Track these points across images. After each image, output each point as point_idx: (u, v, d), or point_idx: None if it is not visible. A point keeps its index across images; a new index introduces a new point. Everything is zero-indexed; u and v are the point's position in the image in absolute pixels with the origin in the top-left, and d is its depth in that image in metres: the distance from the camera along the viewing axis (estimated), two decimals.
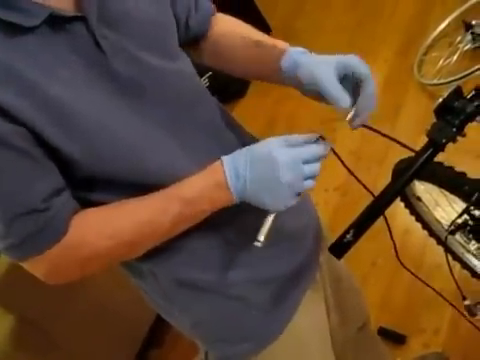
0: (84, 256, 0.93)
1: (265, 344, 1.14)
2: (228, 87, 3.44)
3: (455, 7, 3.06)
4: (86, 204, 0.95)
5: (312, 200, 1.33)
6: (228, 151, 0.97)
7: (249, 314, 1.12)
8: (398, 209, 1.93)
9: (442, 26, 3.06)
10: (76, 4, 0.92)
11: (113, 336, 2.43)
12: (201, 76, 1.14)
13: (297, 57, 1.04)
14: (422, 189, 1.79)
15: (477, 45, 2.85)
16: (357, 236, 0.97)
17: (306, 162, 0.93)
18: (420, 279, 1.23)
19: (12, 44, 0.84)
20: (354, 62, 0.99)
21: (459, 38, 2.93)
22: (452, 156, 1.42)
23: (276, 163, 0.91)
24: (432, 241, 1.97)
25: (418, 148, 1.03)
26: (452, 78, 2.73)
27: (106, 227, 0.93)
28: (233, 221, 1.04)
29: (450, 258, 1.88)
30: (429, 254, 2.29)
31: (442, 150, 1.01)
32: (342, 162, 1.03)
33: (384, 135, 1.06)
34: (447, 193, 1.60)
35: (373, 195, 1.02)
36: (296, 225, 1.19)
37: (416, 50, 3.07)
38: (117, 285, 2.30)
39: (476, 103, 1.02)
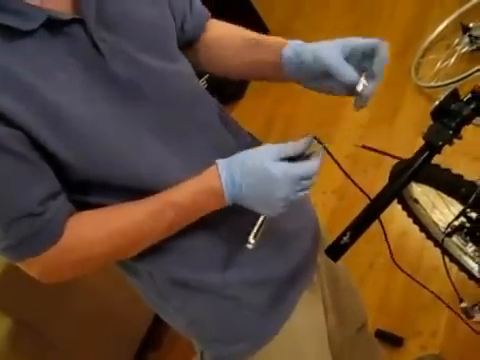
0: (79, 258, 0.94)
1: (261, 344, 1.14)
2: (226, 88, 3.45)
3: (453, 9, 3.06)
4: (82, 206, 0.95)
5: (311, 201, 1.33)
6: (227, 153, 0.98)
7: (244, 314, 1.12)
8: (395, 211, 1.93)
9: (440, 28, 3.07)
10: (74, 7, 0.92)
11: (111, 337, 2.43)
12: (199, 78, 1.14)
13: (298, 46, 1.04)
14: (419, 191, 1.80)
15: (474, 47, 2.85)
16: (354, 238, 0.97)
17: (302, 179, 0.94)
18: (417, 281, 1.23)
19: (10, 48, 0.84)
20: (356, 39, 1.01)
21: (457, 40, 2.94)
22: (449, 158, 1.43)
23: (273, 179, 0.92)
24: (429, 243, 1.97)
25: (415, 150, 1.03)
26: (449, 81, 2.73)
27: (101, 230, 0.94)
28: (227, 221, 1.04)
29: (447, 260, 1.88)
30: (426, 256, 2.29)
31: (439, 152, 1.01)
32: (339, 165, 1.03)
33: (375, 150, 1.06)
34: (444, 195, 1.61)
35: (369, 198, 1.02)
36: (293, 226, 1.19)
37: (414, 52, 3.07)
38: (115, 286, 2.30)
39: (472, 106, 1.02)
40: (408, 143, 2.51)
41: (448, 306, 1.33)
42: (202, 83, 3.29)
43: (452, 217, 1.44)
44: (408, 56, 3.11)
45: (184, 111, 1.03)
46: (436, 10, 3.28)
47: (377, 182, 1.14)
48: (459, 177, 1.52)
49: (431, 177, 1.58)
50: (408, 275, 1.20)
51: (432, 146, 1.01)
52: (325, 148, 0.98)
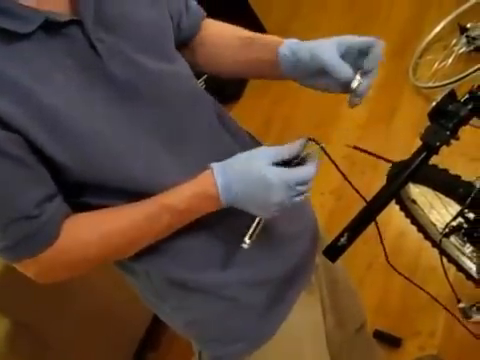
0: (75, 259, 0.95)
1: (258, 345, 1.14)
2: (224, 89, 3.44)
3: (450, 10, 3.07)
4: (78, 207, 0.96)
5: (310, 202, 1.34)
6: (226, 153, 0.98)
7: (242, 315, 1.13)
8: (393, 212, 1.93)
9: (437, 29, 3.07)
10: (72, 7, 0.91)
11: (109, 338, 2.43)
12: (198, 78, 1.14)
13: (294, 45, 1.05)
14: (417, 192, 1.80)
15: (472, 48, 2.86)
16: (351, 240, 0.97)
17: (298, 184, 0.94)
18: (414, 283, 1.23)
19: (6, 51, 0.84)
20: (352, 37, 1.01)
21: (454, 41, 2.94)
22: (446, 159, 1.43)
23: (268, 185, 0.93)
24: (427, 244, 1.97)
25: (413, 151, 1.03)
26: (447, 81, 2.74)
27: (96, 232, 0.94)
28: (223, 222, 1.04)
29: (445, 261, 1.89)
30: (424, 257, 2.29)
31: (436, 153, 1.01)
32: (337, 167, 1.03)
33: (366, 152, 1.06)
34: (442, 196, 1.61)
35: (365, 200, 1.02)
36: (292, 228, 1.19)
37: (411, 53, 3.08)
38: (113, 287, 2.30)
39: (470, 106, 1.02)
40: (406, 144, 2.51)
41: (446, 308, 1.33)
42: (200, 84, 3.28)
43: (450, 218, 1.44)
44: (406, 57, 3.11)
45: (182, 112, 1.03)
46: (433, 11, 3.28)
47: (375, 183, 1.15)
48: (457, 178, 1.52)
49: (429, 178, 1.58)
50: (405, 277, 1.20)
51: (429, 147, 1.01)
52: (323, 149, 0.99)
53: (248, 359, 1.15)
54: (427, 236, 1.94)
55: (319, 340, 1.28)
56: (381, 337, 2.13)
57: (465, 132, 1.05)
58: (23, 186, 0.86)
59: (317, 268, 1.30)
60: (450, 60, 2.88)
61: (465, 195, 1.36)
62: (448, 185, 1.52)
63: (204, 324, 1.14)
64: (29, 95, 0.84)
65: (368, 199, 1.01)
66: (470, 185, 1.45)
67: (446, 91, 1.04)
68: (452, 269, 1.94)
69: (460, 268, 1.94)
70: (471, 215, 1.51)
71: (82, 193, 0.95)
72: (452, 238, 1.81)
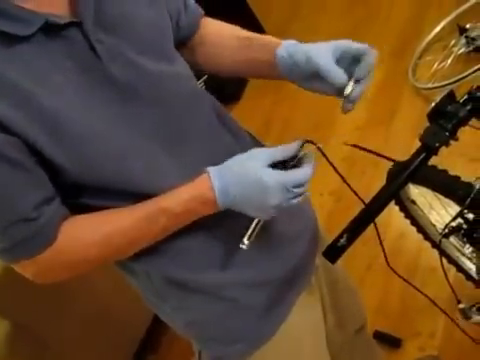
0: (72, 260, 0.96)
1: (257, 345, 1.15)
2: (224, 90, 3.44)
3: (450, 11, 3.07)
4: (77, 209, 0.96)
5: (310, 203, 1.34)
6: (226, 154, 0.99)
7: (241, 315, 1.13)
8: (393, 213, 1.93)
9: (437, 30, 3.07)
10: (71, 9, 0.91)
11: (109, 339, 2.42)
12: (198, 79, 1.14)
13: (291, 46, 1.05)
14: (416, 193, 1.80)
15: (471, 49, 2.86)
16: (351, 240, 0.97)
17: (295, 186, 0.95)
18: (413, 286, 1.24)
19: (6, 54, 0.84)
20: (348, 42, 1.02)
21: (453, 42, 2.94)
22: (446, 160, 1.43)
23: (265, 188, 0.93)
24: (427, 245, 1.97)
25: (412, 152, 1.03)
26: (446, 82, 2.74)
27: (94, 233, 0.95)
28: (222, 223, 1.04)
29: (445, 262, 1.89)
30: (424, 258, 2.29)
31: (435, 154, 1.01)
32: (335, 169, 1.04)
33: (366, 150, 1.06)
34: (441, 197, 1.61)
35: (364, 202, 1.02)
36: (292, 228, 1.19)
37: (411, 54, 3.08)
38: (113, 288, 2.30)
39: (469, 107, 1.02)
40: (405, 144, 2.52)
41: (445, 312, 1.33)
42: (200, 85, 3.28)
43: (449, 218, 1.44)
44: (405, 57, 3.11)
45: (181, 113, 1.03)
46: (433, 11, 3.29)
47: (375, 183, 1.15)
48: (456, 178, 1.52)
49: (428, 178, 1.58)
50: (404, 280, 1.20)
51: (429, 147, 1.01)
52: (320, 150, 0.99)
53: (248, 359, 1.15)
54: (427, 237, 1.94)
55: (319, 340, 1.28)
56: (381, 338, 2.13)
57: (464, 133, 1.05)
58: (22, 189, 0.87)
59: (317, 269, 1.30)
60: (449, 61, 2.88)
61: (464, 196, 1.37)
62: (447, 186, 1.52)
63: (204, 324, 1.14)
64: (29, 98, 0.84)
65: (368, 200, 1.01)
66: (469, 186, 1.45)
67: (445, 92, 1.04)
68: (452, 270, 1.94)
69: (460, 269, 1.94)
70: (470, 216, 1.51)
71: (81, 194, 0.96)
72: (452, 239, 1.81)
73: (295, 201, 0.97)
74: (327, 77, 0.98)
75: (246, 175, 0.94)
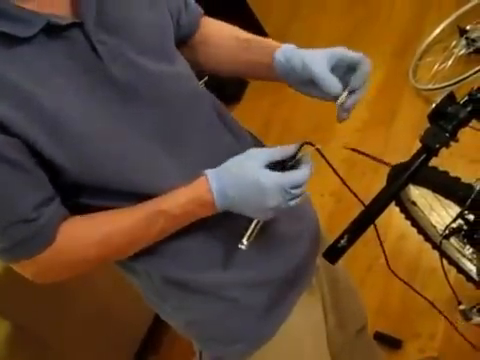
0: (72, 260, 0.96)
1: (258, 345, 1.15)
2: (224, 90, 3.45)
3: (450, 12, 3.07)
4: (77, 207, 0.96)
5: (311, 203, 1.34)
6: (227, 155, 0.99)
7: (242, 315, 1.13)
8: (393, 214, 1.93)
9: (437, 31, 3.07)
10: (73, 9, 0.91)
11: (110, 340, 2.43)
12: (198, 80, 1.14)
13: (289, 51, 1.06)
14: (417, 194, 1.80)
15: (471, 50, 2.86)
16: (351, 241, 0.97)
17: (292, 187, 0.95)
18: (413, 289, 1.24)
19: (7, 55, 0.84)
20: (344, 50, 1.02)
21: (454, 43, 2.94)
22: (446, 161, 1.43)
23: (263, 190, 0.94)
24: (427, 246, 1.97)
25: (413, 153, 1.03)
26: (446, 83, 2.74)
27: (93, 234, 0.95)
28: (222, 223, 1.04)
29: (445, 263, 1.89)
30: (424, 259, 2.29)
31: (435, 155, 1.01)
32: (335, 171, 1.04)
33: (368, 156, 1.06)
34: (441, 198, 1.61)
35: (363, 204, 1.02)
36: (293, 229, 1.19)
37: (411, 55, 3.08)
38: (114, 289, 2.30)
39: (469, 108, 1.02)
40: (406, 146, 2.52)
41: (444, 316, 1.33)
42: (201, 85, 3.28)
43: (450, 219, 1.44)
44: (406, 58, 3.11)
45: (182, 113, 1.03)
46: (433, 13, 3.29)
47: (375, 185, 1.15)
48: (456, 180, 1.52)
49: (428, 180, 1.58)
50: (404, 282, 1.20)
51: (429, 149, 1.01)
52: (320, 152, 0.99)
53: (249, 359, 1.15)
54: (427, 238, 1.94)
55: (320, 341, 1.28)
56: (382, 339, 2.12)
57: (465, 134, 1.05)
58: (21, 190, 0.87)
59: (318, 269, 1.30)
60: (450, 62, 2.89)
61: (465, 197, 1.36)
62: (448, 187, 1.52)
63: (204, 324, 1.14)
64: (29, 99, 0.84)
65: (368, 201, 1.01)
66: (470, 187, 1.45)
67: (446, 93, 1.04)
68: (452, 271, 1.94)
69: (460, 270, 1.94)
70: (471, 217, 1.51)
71: (81, 194, 0.96)
72: (452, 240, 1.81)
73: (293, 203, 0.97)
74: (321, 85, 0.99)
75: (244, 177, 0.95)
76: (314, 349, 1.25)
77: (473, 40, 2.85)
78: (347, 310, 1.42)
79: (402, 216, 1.90)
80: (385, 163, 1.08)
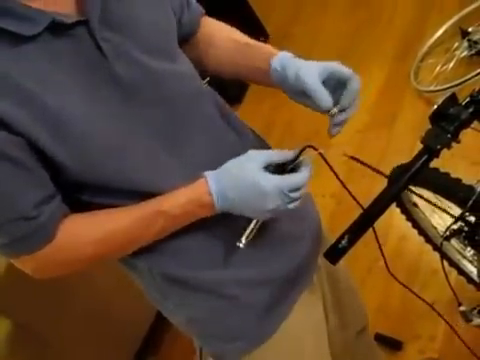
0: (72, 257, 0.97)
1: (258, 344, 1.15)
2: (226, 92, 3.44)
3: (452, 14, 3.07)
4: (80, 205, 0.97)
5: (313, 203, 1.34)
6: (230, 154, 1.00)
7: (242, 313, 1.13)
8: (394, 215, 1.93)
9: (439, 33, 3.07)
10: (78, 7, 0.92)
11: (111, 338, 2.43)
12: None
13: (285, 60, 1.06)
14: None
15: (473, 52, 2.86)
16: (352, 242, 0.98)
17: (291, 190, 0.96)
18: (413, 292, 1.24)
19: (11, 53, 0.84)
20: (336, 65, 1.03)
21: (456, 45, 2.94)
22: (448, 162, 1.43)
23: (262, 192, 0.95)
24: (428, 247, 1.97)
25: (414, 154, 1.03)
26: (448, 85, 2.73)
27: (94, 232, 0.96)
28: (222, 222, 1.05)
29: (446, 264, 1.88)
30: (425, 260, 2.29)
31: (437, 156, 1.02)
32: (336, 174, 1.04)
33: (366, 165, 1.07)
34: (443, 199, 1.61)
35: (362, 207, 1.02)
36: (295, 228, 1.20)
37: (413, 56, 3.08)
38: (114, 287, 2.30)
39: (471, 110, 1.03)
40: (407, 147, 2.52)
41: (444, 319, 1.33)
42: (204, 85, 3.27)
43: (451, 221, 1.44)
44: (407, 60, 3.11)
45: (185, 113, 1.03)
46: (435, 14, 3.28)
47: (376, 186, 1.15)
48: (457, 181, 1.52)
49: (429, 181, 1.58)
50: (404, 286, 1.21)
51: (430, 150, 1.01)
52: (322, 156, 1.00)
53: (248, 357, 1.16)
54: (428, 239, 1.94)
55: (321, 339, 1.28)
56: (382, 340, 2.12)
57: (466, 135, 1.05)
58: (22, 188, 0.87)
59: (319, 268, 1.30)
60: (452, 64, 2.88)
61: (466, 198, 1.37)
62: (449, 188, 1.52)
63: (205, 321, 1.15)
64: (32, 97, 0.85)
65: (368, 203, 1.02)
66: (471, 189, 1.45)
67: (447, 94, 1.05)
68: (453, 273, 1.94)
69: (461, 271, 1.94)
70: (472, 218, 1.51)
71: (83, 192, 0.97)
72: (453, 241, 1.81)
73: (292, 205, 0.98)
74: (313, 97, 1.00)
75: (244, 179, 0.95)
76: (315, 348, 1.25)
77: (475, 42, 2.85)
78: (348, 310, 1.42)
79: (403, 217, 1.90)
80: (382, 174, 1.09)
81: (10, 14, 0.83)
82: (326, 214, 2.65)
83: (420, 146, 1.03)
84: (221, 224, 1.05)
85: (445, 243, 1.78)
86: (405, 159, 1.07)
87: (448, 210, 1.56)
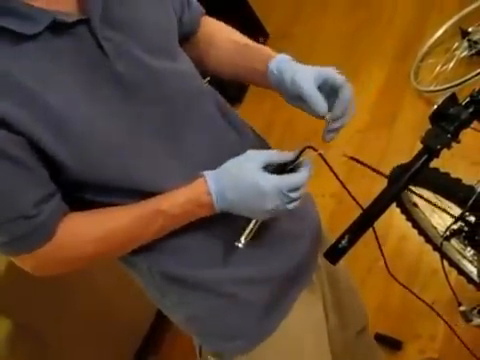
0: (71, 256, 0.98)
1: (257, 342, 1.15)
2: (225, 92, 3.44)
3: (452, 14, 3.07)
4: (81, 203, 0.97)
5: (313, 203, 1.34)
6: (230, 153, 1.00)
7: (241, 312, 1.14)
8: (394, 215, 1.93)
9: (439, 33, 3.07)
10: (79, 6, 0.92)
11: (111, 338, 2.43)
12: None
13: (282, 63, 1.06)
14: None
15: (473, 52, 2.85)
16: (352, 242, 0.98)
17: (291, 190, 0.96)
18: (413, 293, 1.24)
19: (12, 52, 0.84)
20: (331, 72, 1.03)
21: (456, 45, 2.94)
22: (448, 162, 1.43)
23: (262, 192, 0.95)
24: (428, 247, 1.97)
25: (414, 154, 1.03)
26: (448, 85, 2.73)
27: (94, 231, 0.96)
28: (221, 221, 1.05)
29: (446, 264, 1.88)
30: (425, 260, 2.29)
31: (437, 156, 1.02)
32: (337, 177, 1.05)
33: (366, 166, 1.07)
34: (443, 199, 1.61)
35: (362, 208, 1.02)
36: (295, 227, 1.20)
37: (413, 56, 3.07)
38: (114, 287, 2.30)
39: (471, 110, 1.03)
40: (407, 147, 2.52)
41: (444, 320, 1.33)
42: (204, 84, 3.27)
43: (451, 221, 1.44)
44: (407, 60, 3.11)
45: (186, 112, 1.03)
46: (435, 14, 3.28)
47: (376, 186, 1.15)
48: (457, 181, 1.52)
49: (429, 181, 1.58)
50: (404, 286, 1.21)
51: (430, 150, 1.01)
52: (322, 157, 1.00)
53: (248, 355, 1.16)
54: (428, 239, 1.94)
55: (320, 338, 1.28)
56: (382, 340, 2.12)
57: (466, 135, 1.05)
58: (22, 187, 0.88)
59: (319, 268, 1.30)
60: (452, 64, 2.88)
61: (466, 198, 1.37)
62: (449, 188, 1.52)
63: (204, 320, 1.15)
64: (34, 96, 0.85)
65: (368, 203, 1.02)
66: (471, 188, 1.45)
67: (447, 94, 1.05)
68: (453, 272, 1.94)
69: (461, 271, 1.94)
70: (472, 218, 1.51)
71: (84, 191, 0.97)
72: (453, 241, 1.81)
73: (291, 206, 0.98)
74: (308, 102, 1.00)
75: (243, 179, 0.95)
76: (315, 346, 1.25)
77: (475, 42, 2.85)
78: (348, 310, 1.42)
79: (403, 217, 1.90)
80: (381, 174, 1.09)
81: (12, 13, 0.83)
82: (326, 214, 2.65)
83: (420, 146, 1.03)
84: (220, 223, 1.06)
85: (445, 243, 1.78)
86: (405, 159, 1.07)
87: (448, 210, 1.56)
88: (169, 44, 1.05)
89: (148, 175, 0.98)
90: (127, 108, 0.94)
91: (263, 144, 1.23)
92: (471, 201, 1.25)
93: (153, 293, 1.16)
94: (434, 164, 1.05)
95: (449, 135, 1.01)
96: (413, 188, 1.70)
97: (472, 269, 1.90)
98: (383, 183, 1.09)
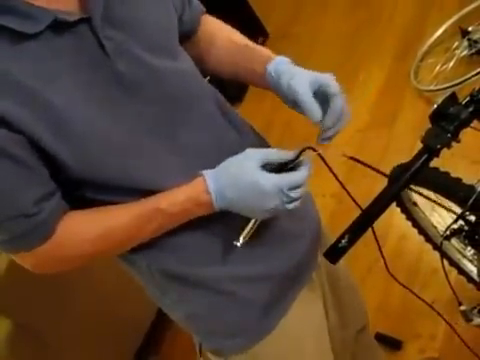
0: (71, 254, 0.98)
1: (256, 340, 1.16)
2: (225, 92, 3.44)
3: (452, 13, 3.07)
4: (82, 201, 0.98)
5: (314, 202, 1.34)
6: (230, 152, 1.00)
7: (241, 310, 1.14)
8: (394, 214, 1.93)
9: (439, 32, 3.07)
10: (80, 4, 0.92)
11: (111, 337, 2.43)
12: None
13: (280, 66, 1.06)
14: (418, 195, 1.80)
15: (473, 51, 2.86)
16: (352, 242, 0.98)
17: (290, 189, 0.95)
18: (413, 292, 1.24)
19: (13, 51, 0.84)
20: (327, 79, 1.02)
21: (456, 44, 2.94)
22: (448, 162, 1.43)
23: (261, 191, 0.95)
24: (428, 247, 1.97)
25: (414, 154, 1.03)
26: (448, 84, 2.73)
27: (93, 229, 0.97)
28: (220, 219, 1.05)
29: (446, 264, 1.89)
30: (425, 260, 2.29)
31: (437, 156, 1.02)
32: (336, 177, 1.05)
33: (366, 165, 1.07)
34: (443, 198, 1.61)
35: (361, 208, 1.03)
36: (295, 226, 1.20)
37: (413, 56, 3.08)
38: (115, 286, 2.30)
39: (471, 109, 1.03)
40: (408, 147, 2.52)
41: (444, 319, 1.33)
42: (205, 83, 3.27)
43: (451, 220, 1.44)
44: (407, 60, 3.11)
45: (186, 110, 1.03)
46: (435, 14, 3.28)
47: (376, 186, 1.15)
48: (458, 180, 1.52)
49: (430, 180, 1.58)
50: (404, 286, 1.21)
51: (430, 149, 1.01)
52: (321, 157, 1.00)
53: (248, 353, 1.16)
54: (428, 239, 1.94)
55: (321, 336, 1.28)
56: (382, 339, 2.12)
57: (466, 135, 1.05)
58: (22, 185, 0.88)
59: (319, 266, 1.30)
60: (452, 63, 2.88)
61: (466, 198, 1.37)
62: (449, 188, 1.52)
63: (204, 318, 1.15)
64: (34, 95, 0.85)
65: (368, 203, 1.02)
66: (471, 188, 1.45)
67: (447, 94, 1.05)
68: (453, 272, 1.94)
69: (461, 271, 1.94)
70: (472, 218, 1.51)
71: (85, 190, 0.97)
72: (453, 241, 1.81)
73: (291, 206, 0.98)
74: (303, 107, 1.00)
75: (242, 178, 0.95)
76: (315, 344, 1.25)
77: (475, 41, 2.85)
78: (349, 308, 1.42)
79: (403, 216, 1.90)
80: (382, 173, 1.09)
81: (13, 12, 0.83)
82: (326, 214, 2.65)
83: (420, 145, 1.03)
84: (220, 222, 1.06)
85: (445, 242, 1.78)
86: (405, 158, 1.07)
87: (449, 208, 1.56)
88: (170, 43, 1.05)
89: (148, 174, 0.98)
90: (128, 107, 0.94)
91: (263, 143, 1.23)
92: (471, 200, 1.25)
93: (153, 291, 1.17)
94: (434, 163, 1.05)
95: (449, 134, 1.01)
96: (413, 187, 1.70)
97: (472, 268, 1.90)
98: (383, 183, 1.09)
